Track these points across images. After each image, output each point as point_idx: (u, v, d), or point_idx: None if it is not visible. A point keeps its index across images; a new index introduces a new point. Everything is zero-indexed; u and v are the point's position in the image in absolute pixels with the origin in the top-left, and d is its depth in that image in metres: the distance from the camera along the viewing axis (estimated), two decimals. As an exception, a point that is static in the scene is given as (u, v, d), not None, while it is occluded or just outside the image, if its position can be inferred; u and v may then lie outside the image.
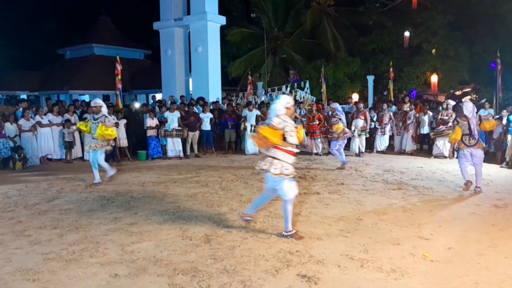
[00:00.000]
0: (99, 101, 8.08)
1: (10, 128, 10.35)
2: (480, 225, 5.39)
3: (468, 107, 7.18)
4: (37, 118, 11.00)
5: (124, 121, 11.41)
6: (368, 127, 12.22)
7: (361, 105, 12.55)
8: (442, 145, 11.47)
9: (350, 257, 4.25)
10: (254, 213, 5.31)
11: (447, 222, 5.49)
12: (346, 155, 11.58)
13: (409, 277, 3.81)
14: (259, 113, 12.65)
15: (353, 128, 12.03)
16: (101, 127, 7.73)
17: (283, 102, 4.74)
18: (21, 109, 11.42)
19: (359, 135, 12.08)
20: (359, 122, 12.02)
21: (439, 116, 11.22)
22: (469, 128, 7.06)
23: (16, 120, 10.70)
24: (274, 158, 4.73)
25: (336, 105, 10.40)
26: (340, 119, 10.06)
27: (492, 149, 11.11)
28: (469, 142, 7.10)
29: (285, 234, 4.86)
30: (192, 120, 11.87)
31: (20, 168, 10.18)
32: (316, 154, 12.33)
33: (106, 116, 7.93)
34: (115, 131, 10.91)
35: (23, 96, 21.27)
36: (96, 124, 7.87)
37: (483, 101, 12.59)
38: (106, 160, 10.90)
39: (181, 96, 14.90)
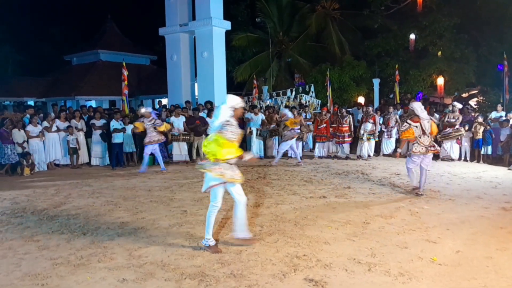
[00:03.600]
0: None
1: (17, 134, 10.44)
2: (488, 228, 5.36)
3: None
4: (45, 124, 11.10)
5: (131, 126, 11.47)
6: (377, 131, 12.19)
7: (370, 108, 12.52)
8: (449, 147, 11.42)
9: (357, 261, 4.24)
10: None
11: (455, 225, 5.46)
12: (352, 159, 11.61)
13: (417, 280, 3.79)
14: (263, 117, 12.67)
15: (362, 131, 12.00)
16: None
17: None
18: (28, 115, 11.53)
19: (368, 139, 12.04)
20: (368, 126, 11.99)
21: (446, 119, 11.16)
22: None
23: (24, 126, 10.80)
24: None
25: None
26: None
27: (500, 152, 11.04)
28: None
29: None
30: (198, 124, 11.91)
31: (28, 174, 10.26)
32: (321, 157, 12.33)
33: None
34: (121, 136, 11.11)
35: (31, 102, 21.45)
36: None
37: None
38: (114, 165, 11.07)
39: (187, 102, 14.96)
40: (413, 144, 7.15)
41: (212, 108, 13.39)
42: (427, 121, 7.04)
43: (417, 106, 7.07)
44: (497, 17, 17.43)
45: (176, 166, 11.22)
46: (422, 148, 7.02)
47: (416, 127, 7.02)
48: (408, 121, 7.19)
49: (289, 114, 11.10)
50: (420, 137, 7.02)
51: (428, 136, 7.03)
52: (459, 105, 11.38)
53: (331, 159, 12.20)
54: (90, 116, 12.26)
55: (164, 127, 10.26)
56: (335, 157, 12.31)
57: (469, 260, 4.27)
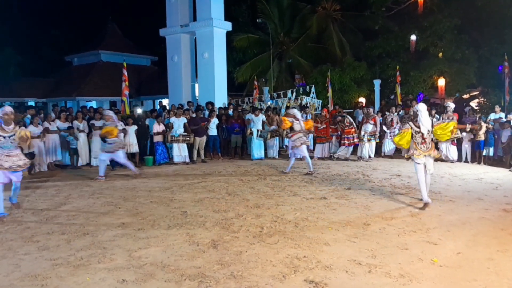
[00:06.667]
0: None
1: (18, 134, 10.41)
2: (489, 230, 5.34)
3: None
4: (45, 124, 11.09)
5: (135, 127, 11.44)
6: (377, 132, 12.18)
7: (371, 109, 12.49)
8: (445, 149, 11.38)
9: (358, 263, 4.23)
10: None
11: (455, 227, 5.45)
12: (352, 160, 11.56)
13: (418, 282, 3.78)
14: (264, 118, 12.66)
15: (362, 133, 11.98)
16: None
17: None
18: (29, 116, 11.52)
19: (369, 140, 12.03)
20: (369, 127, 11.98)
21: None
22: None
23: (25, 126, 10.76)
24: None
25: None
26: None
27: (501, 153, 11.01)
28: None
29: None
30: (202, 126, 11.91)
31: (26, 175, 10.21)
32: (321, 158, 12.31)
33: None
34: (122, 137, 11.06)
35: (31, 103, 21.47)
36: None
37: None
38: (113, 166, 11.05)
39: (189, 102, 14.96)
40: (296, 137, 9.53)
41: (213, 109, 13.36)
42: (302, 121, 9.76)
43: (296, 111, 9.90)
44: (498, 18, 17.42)
45: (176, 167, 11.21)
46: (303, 139, 9.64)
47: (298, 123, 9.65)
48: (294, 120, 9.57)
49: (115, 117, 9.60)
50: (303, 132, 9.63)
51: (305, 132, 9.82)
52: (452, 105, 11.37)
53: (331, 160, 12.18)
54: (91, 116, 12.25)
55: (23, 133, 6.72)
56: (335, 158, 12.28)
57: (470, 262, 4.25)
